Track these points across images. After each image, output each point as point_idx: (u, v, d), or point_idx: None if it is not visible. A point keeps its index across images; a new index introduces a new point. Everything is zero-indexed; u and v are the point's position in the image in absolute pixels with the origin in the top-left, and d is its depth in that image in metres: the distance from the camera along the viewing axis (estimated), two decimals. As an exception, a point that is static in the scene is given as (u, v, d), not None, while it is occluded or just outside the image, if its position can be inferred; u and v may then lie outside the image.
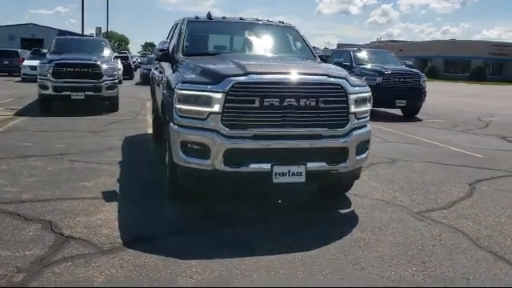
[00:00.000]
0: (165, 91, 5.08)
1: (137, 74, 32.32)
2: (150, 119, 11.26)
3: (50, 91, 11.48)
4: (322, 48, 23.13)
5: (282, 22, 6.35)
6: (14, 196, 4.83)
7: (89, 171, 5.95)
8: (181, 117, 4.26)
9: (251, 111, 4.09)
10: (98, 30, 44.60)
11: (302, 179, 4.22)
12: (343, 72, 4.54)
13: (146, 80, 24.01)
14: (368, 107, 4.61)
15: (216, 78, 4.13)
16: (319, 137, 4.28)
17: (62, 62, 11.59)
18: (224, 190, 5.06)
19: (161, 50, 5.51)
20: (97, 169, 6.08)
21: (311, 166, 4.22)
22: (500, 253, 3.80)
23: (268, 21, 6.35)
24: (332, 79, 4.32)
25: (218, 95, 4.04)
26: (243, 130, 4.11)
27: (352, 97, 4.32)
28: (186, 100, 4.21)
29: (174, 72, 4.98)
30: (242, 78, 4.08)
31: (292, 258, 3.54)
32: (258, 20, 6.23)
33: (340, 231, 4.15)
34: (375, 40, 65.79)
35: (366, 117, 4.63)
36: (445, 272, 3.41)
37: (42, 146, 7.44)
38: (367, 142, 4.67)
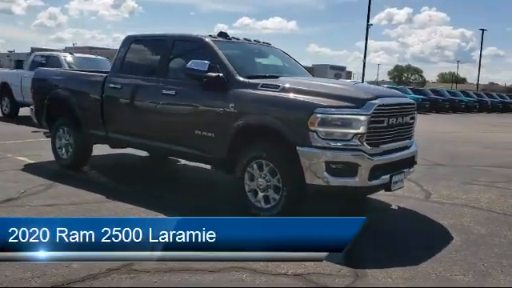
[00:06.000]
0: (273, 112, 4.82)
1: None
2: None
3: None
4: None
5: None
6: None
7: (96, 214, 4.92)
8: (322, 139, 4.42)
9: (381, 130, 4.67)
10: None
11: (403, 184, 5.05)
12: None
13: None
14: None
15: (358, 103, 4.52)
16: (406, 147, 5.16)
17: None
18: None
19: (205, 72, 5.05)
20: (90, 210, 5.06)
21: (406, 172, 5.07)
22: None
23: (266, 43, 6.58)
24: (410, 100, 5.28)
25: (364, 117, 4.45)
26: (377, 147, 4.62)
27: (415, 112, 5.37)
28: (329, 123, 4.44)
29: (265, 96, 4.86)
30: (378, 101, 4.59)
31: (457, 251, 4.33)
32: (257, 41, 6.39)
33: (432, 224, 5.14)
34: (71, 45, 59.32)
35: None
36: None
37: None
38: None
